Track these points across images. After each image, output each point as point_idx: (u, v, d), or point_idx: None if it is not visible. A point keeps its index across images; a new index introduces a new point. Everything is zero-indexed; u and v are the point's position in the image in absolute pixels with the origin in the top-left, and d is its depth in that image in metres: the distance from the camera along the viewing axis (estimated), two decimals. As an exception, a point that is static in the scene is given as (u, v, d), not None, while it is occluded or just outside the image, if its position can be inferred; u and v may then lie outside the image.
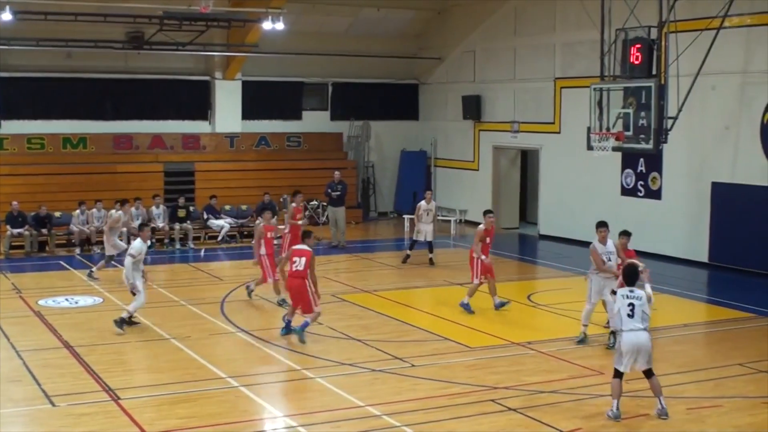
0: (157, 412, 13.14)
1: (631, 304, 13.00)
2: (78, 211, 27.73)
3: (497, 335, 17.76)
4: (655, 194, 27.15)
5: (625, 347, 12.91)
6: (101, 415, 12.97)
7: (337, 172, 29.56)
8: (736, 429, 12.71)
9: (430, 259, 25.70)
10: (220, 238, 29.47)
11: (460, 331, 18.08)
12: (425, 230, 25.77)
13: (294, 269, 17.26)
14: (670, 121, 20.50)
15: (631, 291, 13.15)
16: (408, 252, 26.04)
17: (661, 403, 13.02)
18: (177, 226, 28.81)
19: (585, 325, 17.30)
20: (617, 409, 12.91)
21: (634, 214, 27.27)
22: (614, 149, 21.90)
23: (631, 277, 13.39)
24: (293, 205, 24.25)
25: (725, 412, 13.26)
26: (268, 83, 35.33)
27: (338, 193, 29.05)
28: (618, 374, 13.03)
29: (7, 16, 26.11)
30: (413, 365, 15.66)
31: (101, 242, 27.32)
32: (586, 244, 19.83)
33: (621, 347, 12.97)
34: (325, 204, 31.50)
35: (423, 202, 26.14)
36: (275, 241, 21.35)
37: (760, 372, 15.34)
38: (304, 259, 17.23)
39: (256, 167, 33.98)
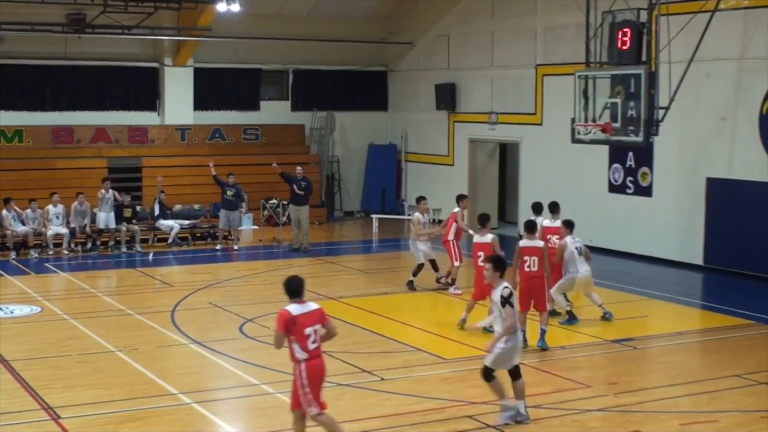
0: (102, 432, 13.09)
1: None
2: (4, 210, 27.39)
3: (474, 345, 17.76)
4: (646, 191, 27.28)
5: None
6: (40, 435, 12.91)
7: (299, 168, 29.45)
8: (734, 446, 12.83)
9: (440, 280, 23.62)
10: (170, 241, 29.32)
11: (434, 342, 18.12)
12: (424, 250, 23.38)
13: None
14: (661, 112, 20.59)
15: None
16: (413, 278, 23.45)
17: (523, 409, 13.32)
18: (123, 227, 28.64)
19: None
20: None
21: (623, 213, 27.43)
22: (600, 142, 22.01)
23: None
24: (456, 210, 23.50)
25: (722, 428, 13.33)
26: (222, 70, 35.30)
27: (302, 191, 28.81)
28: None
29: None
30: (383, 379, 15.67)
31: (39, 245, 27.30)
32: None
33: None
34: (285, 203, 31.48)
35: (418, 215, 23.42)
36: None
37: (759, 384, 15.43)
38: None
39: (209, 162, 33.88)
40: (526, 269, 17.53)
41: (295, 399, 11.76)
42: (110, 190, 28.69)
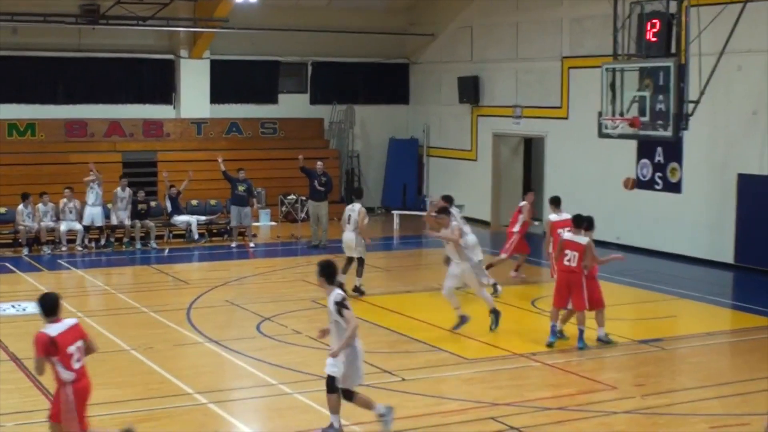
0: (116, 432, 13.13)
1: None
2: (21, 206, 27.56)
3: (498, 345, 17.79)
4: (675, 187, 27.17)
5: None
6: (53, 435, 12.96)
7: (319, 163, 29.45)
8: (765, 450, 12.78)
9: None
10: (195, 236, 29.28)
11: (456, 341, 18.12)
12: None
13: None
14: (691, 106, 20.52)
15: None
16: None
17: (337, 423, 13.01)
18: (138, 223, 28.74)
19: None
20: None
21: (651, 210, 27.36)
22: (628, 137, 21.96)
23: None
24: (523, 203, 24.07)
25: (752, 431, 13.30)
26: (239, 62, 35.34)
27: (322, 188, 28.83)
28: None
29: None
30: (403, 379, 15.69)
31: (52, 241, 27.40)
32: (596, 242, 19.86)
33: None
34: (304, 198, 31.51)
35: (360, 206, 22.57)
36: None
37: (791, 386, 15.42)
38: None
39: (226, 157, 33.81)
40: (566, 263, 17.42)
41: (55, 413, 11.39)
42: (126, 188, 28.80)
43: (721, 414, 14.10)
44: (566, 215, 20.20)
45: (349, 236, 21.97)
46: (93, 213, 28.32)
